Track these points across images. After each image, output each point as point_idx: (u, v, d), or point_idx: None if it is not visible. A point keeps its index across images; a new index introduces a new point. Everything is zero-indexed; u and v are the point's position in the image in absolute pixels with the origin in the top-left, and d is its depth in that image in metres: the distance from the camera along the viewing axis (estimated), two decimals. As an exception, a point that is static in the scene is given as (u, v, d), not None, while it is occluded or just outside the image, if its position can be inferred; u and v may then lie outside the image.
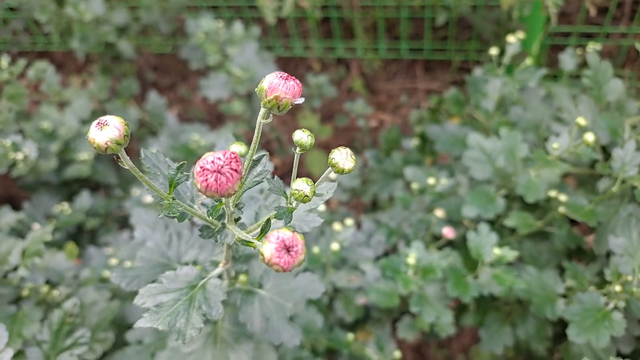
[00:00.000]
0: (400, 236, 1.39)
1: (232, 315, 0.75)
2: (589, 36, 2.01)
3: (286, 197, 0.52)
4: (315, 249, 1.25)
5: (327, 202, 1.95)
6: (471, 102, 1.55)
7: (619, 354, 1.01)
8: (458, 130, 1.49)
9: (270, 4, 2.00)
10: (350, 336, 1.20)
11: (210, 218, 0.49)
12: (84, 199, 1.79)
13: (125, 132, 0.44)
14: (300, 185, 0.49)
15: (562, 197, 1.10)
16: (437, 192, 1.33)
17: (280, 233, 0.42)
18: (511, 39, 1.28)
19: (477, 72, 1.57)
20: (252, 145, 0.49)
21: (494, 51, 1.31)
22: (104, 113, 2.08)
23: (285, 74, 0.44)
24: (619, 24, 2.02)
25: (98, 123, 0.44)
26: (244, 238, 0.49)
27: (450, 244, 1.37)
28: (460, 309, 1.32)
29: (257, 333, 0.66)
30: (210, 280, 0.61)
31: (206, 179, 0.40)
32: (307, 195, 0.48)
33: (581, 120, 0.95)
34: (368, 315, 1.39)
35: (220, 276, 0.65)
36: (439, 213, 1.26)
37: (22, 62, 1.78)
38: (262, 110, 0.45)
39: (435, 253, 1.15)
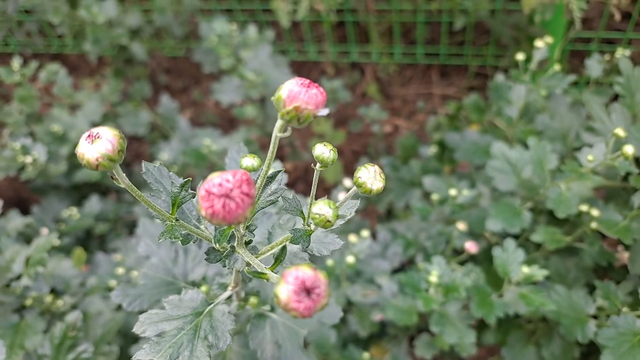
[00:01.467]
0: (418, 248, 1.33)
1: (241, 337, 0.69)
2: (610, 42, 1.94)
3: (303, 218, 0.47)
4: (330, 262, 1.19)
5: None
6: (492, 108, 1.48)
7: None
8: (479, 138, 1.43)
9: (284, 7, 1.95)
10: (365, 355, 1.14)
11: (218, 245, 0.43)
12: (93, 203, 1.76)
13: (120, 147, 0.38)
14: (322, 208, 0.42)
15: (594, 212, 1.03)
16: (457, 203, 1.26)
17: (299, 272, 0.35)
18: (539, 43, 1.21)
19: (499, 77, 1.51)
20: (267, 161, 0.43)
21: (520, 56, 1.25)
22: (115, 116, 2.05)
23: (307, 81, 0.38)
24: (643, 30, 1.94)
25: (88, 136, 0.38)
26: (255, 268, 0.43)
27: (472, 258, 1.30)
28: (480, 326, 1.26)
29: (268, 361, 0.61)
30: (217, 306, 0.55)
31: (212, 205, 0.34)
32: (329, 220, 0.42)
33: (620, 132, 0.89)
34: (383, 331, 1.33)
35: (229, 298, 0.60)
36: (461, 226, 1.20)
37: (33, 64, 1.76)
38: (279, 123, 0.39)
39: (457, 269, 1.09)
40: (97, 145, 0.37)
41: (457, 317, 1.05)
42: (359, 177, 0.44)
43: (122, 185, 0.41)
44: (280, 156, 2.30)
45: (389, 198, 1.67)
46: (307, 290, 0.35)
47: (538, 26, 1.90)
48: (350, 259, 1.15)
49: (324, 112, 0.37)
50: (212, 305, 0.55)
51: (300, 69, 2.58)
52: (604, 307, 1.02)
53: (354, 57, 2.42)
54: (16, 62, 1.74)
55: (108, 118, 2.02)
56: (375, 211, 2.03)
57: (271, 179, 0.46)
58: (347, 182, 1.37)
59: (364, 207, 1.90)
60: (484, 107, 1.54)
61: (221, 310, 0.55)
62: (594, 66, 1.34)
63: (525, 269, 0.99)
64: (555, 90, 1.26)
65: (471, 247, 1.17)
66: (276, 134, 0.39)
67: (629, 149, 0.86)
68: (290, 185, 2.32)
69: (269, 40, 1.87)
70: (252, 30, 1.82)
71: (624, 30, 1.83)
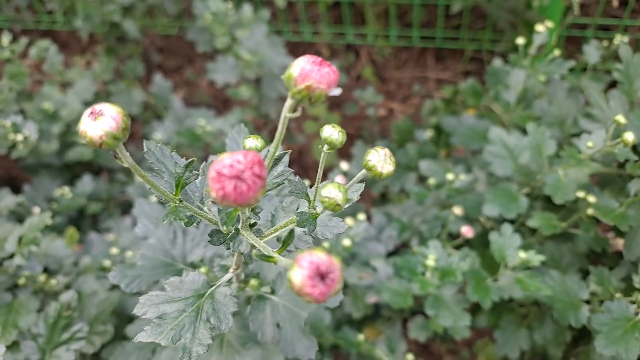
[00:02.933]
0: (413, 232, 1.33)
1: (239, 318, 0.69)
2: (606, 29, 1.94)
3: (309, 201, 0.46)
4: (325, 244, 1.19)
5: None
6: (489, 93, 1.48)
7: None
8: (476, 123, 1.42)
9: (281, -14, 1.92)
10: (360, 337, 1.15)
11: (225, 228, 0.42)
12: (86, 182, 1.74)
13: (124, 125, 0.37)
14: (332, 191, 0.41)
15: (591, 199, 1.04)
16: (454, 188, 1.26)
17: (313, 257, 0.34)
18: (540, 27, 1.20)
19: (497, 62, 1.50)
20: (275, 142, 0.42)
21: (520, 40, 1.24)
22: (108, 95, 2.02)
23: (319, 59, 0.36)
24: (638, 17, 1.94)
25: (91, 112, 0.36)
26: (263, 252, 0.43)
27: (467, 242, 1.31)
28: (474, 309, 1.27)
29: (268, 343, 0.61)
30: (219, 288, 0.55)
31: (223, 187, 0.32)
32: (339, 204, 0.41)
33: (621, 118, 0.89)
34: (377, 313, 1.34)
35: (229, 280, 0.59)
36: (457, 210, 1.20)
37: (23, 41, 1.72)
38: (289, 102, 0.37)
39: (454, 254, 1.09)
40: (101, 122, 0.36)
41: (452, 301, 1.06)
42: (369, 160, 0.43)
43: (125, 165, 0.40)
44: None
45: (385, 182, 1.67)
46: (321, 275, 0.34)
47: (535, 11, 1.89)
48: (346, 242, 1.15)
49: (337, 91, 0.36)
50: (213, 287, 0.55)
51: (295, 49, 2.55)
52: (598, 292, 1.04)
53: (349, 38, 2.39)
54: (5, 38, 1.70)
55: (100, 97, 1.99)
56: (369, 194, 2.03)
57: (278, 160, 0.46)
58: (344, 165, 1.36)
59: (359, 190, 1.90)
60: (481, 92, 1.54)
61: (223, 293, 0.54)
62: (592, 52, 1.33)
63: (522, 254, 1.00)
64: (554, 76, 1.25)
65: (467, 231, 1.17)
66: (285, 114, 0.38)
67: (629, 136, 0.86)
68: (284, 167, 2.31)
69: (264, 19, 1.84)
70: (247, 9, 1.79)
71: (621, 17, 1.82)
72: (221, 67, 1.75)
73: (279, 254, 0.43)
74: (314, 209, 0.46)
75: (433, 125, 1.63)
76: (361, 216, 1.21)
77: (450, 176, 1.24)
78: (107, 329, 1.10)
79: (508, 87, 1.30)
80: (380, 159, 0.43)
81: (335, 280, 0.34)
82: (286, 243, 0.44)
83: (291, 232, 0.44)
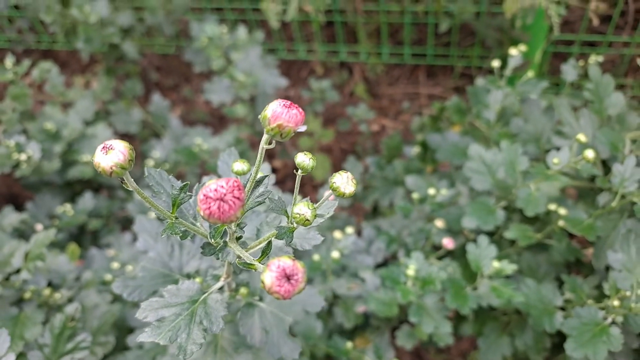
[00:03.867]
0: (400, 244, 1.40)
1: (232, 325, 0.75)
2: (592, 44, 2.02)
3: (287, 217, 0.53)
4: (316, 257, 1.25)
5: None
6: (473, 111, 1.55)
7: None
8: (459, 139, 1.50)
9: (274, 8, 2.00)
10: (349, 344, 1.21)
11: (214, 240, 0.49)
12: (87, 200, 1.80)
13: (130, 157, 0.45)
14: (302, 209, 0.49)
15: (562, 211, 1.11)
16: (436, 202, 1.33)
17: (280, 262, 0.42)
18: (513, 51, 1.28)
19: (479, 81, 1.57)
20: (255, 168, 0.49)
21: (496, 63, 1.32)
22: (108, 114, 2.09)
23: (288, 102, 0.44)
24: (622, 33, 2.02)
25: (103, 147, 0.44)
26: (245, 260, 0.50)
27: (449, 253, 1.38)
28: (458, 318, 1.33)
29: (256, 345, 0.67)
30: (211, 295, 0.62)
31: (209, 207, 0.41)
32: (308, 219, 0.49)
33: (581, 137, 0.96)
34: (367, 322, 1.40)
35: (221, 288, 0.66)
36: (439, 224, 1.27)
37: (26, 63, 1.79)
38: (265, 137, 0.46)
39: (435, 264, 1.16)
40: (111, 155, 0.44)
41: (434, 309, 1.12)
42: (334, 182, 0.51)
43: (130, 189, 0.47)
44: (270, 154, 2.36)
45: (375, 196, 1.74)
46: (287, 277, 0.42)
47: (520, 29, 1.98)
48: (335, 254, 1.21)
49: (302, 128, 0.44)
50: (206, 294, 0.62)
51: (289, 67, 2.63)
52: (571, 299, 1.10)
53: (343, 56, 2.47)
54: (9, 60, 1.77)
55: (100, 116, 2.06)
56: (361, 208, 2.10)
57: (259, 182, 0.53)
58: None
59: (351, 204, 1.96)
60: (465, 110, 1.61)
61: (214, 298, 0.61)
62: (569, 71, 1.41)
63: (496, 264, 1.06)
64: (531, 95, 1.33)
65: (448, 243, 1.24)
66: (262, 145, 0.46)
67: (589, 154, 0.94)
68: (279, 182, 2.37)
69: (258, 41, 1.92)
70: (242, 31, 1.87)
71: (605, 33, 1.90)
72: (217, 88, 1.83)
73: (259, 262, 0.50)
74: (292, 223, 0.53)
75: (420, 141, 1.70)
76: (349, 229, 1.28)
77: (431, 191, 1.31)
78: (108, 339, 1.15)
79: (488, 106, 1.37)
80: (343, 181, 0.50)
81: (299, 281, 0.42)
82: (265, 253, 0.51)
83: (269, 243, 0.52)
